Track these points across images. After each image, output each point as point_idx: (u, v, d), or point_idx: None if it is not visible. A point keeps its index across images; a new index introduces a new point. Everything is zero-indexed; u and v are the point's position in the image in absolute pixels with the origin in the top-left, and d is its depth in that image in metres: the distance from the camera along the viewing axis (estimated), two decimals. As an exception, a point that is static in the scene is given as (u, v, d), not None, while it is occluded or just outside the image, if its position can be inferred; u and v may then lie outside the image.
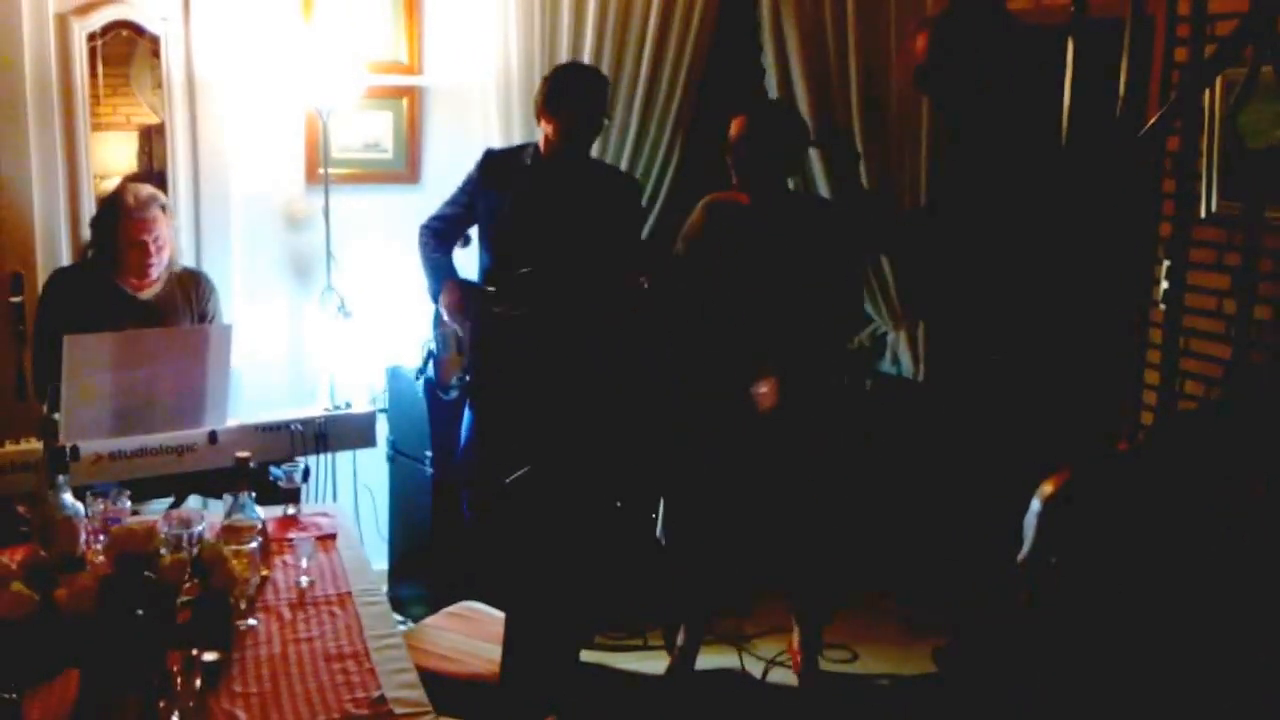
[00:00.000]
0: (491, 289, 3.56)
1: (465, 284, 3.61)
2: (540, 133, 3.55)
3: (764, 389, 3.38)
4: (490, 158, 3.66)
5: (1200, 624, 1.51)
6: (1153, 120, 2.93)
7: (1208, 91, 3.20)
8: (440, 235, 3.68)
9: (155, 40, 3.88)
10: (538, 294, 3.48)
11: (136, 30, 3.90)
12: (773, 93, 4.21)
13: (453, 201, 3.69)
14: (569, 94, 3.45)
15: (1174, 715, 1.54)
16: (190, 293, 3.56)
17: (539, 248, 3.49)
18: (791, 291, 3.40)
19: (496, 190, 3.58)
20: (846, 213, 3.65)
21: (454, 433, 3.75)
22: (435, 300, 3.62)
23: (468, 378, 3.60)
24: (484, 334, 3.56)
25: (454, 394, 3.66)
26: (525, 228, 3.53)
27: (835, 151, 3.89)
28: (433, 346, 3.68)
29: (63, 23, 3.72)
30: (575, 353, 3.53)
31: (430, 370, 3.70)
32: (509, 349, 3.53)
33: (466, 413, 3.69)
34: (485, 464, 3.61)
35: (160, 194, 3.48)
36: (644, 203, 4.05)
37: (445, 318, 3.59)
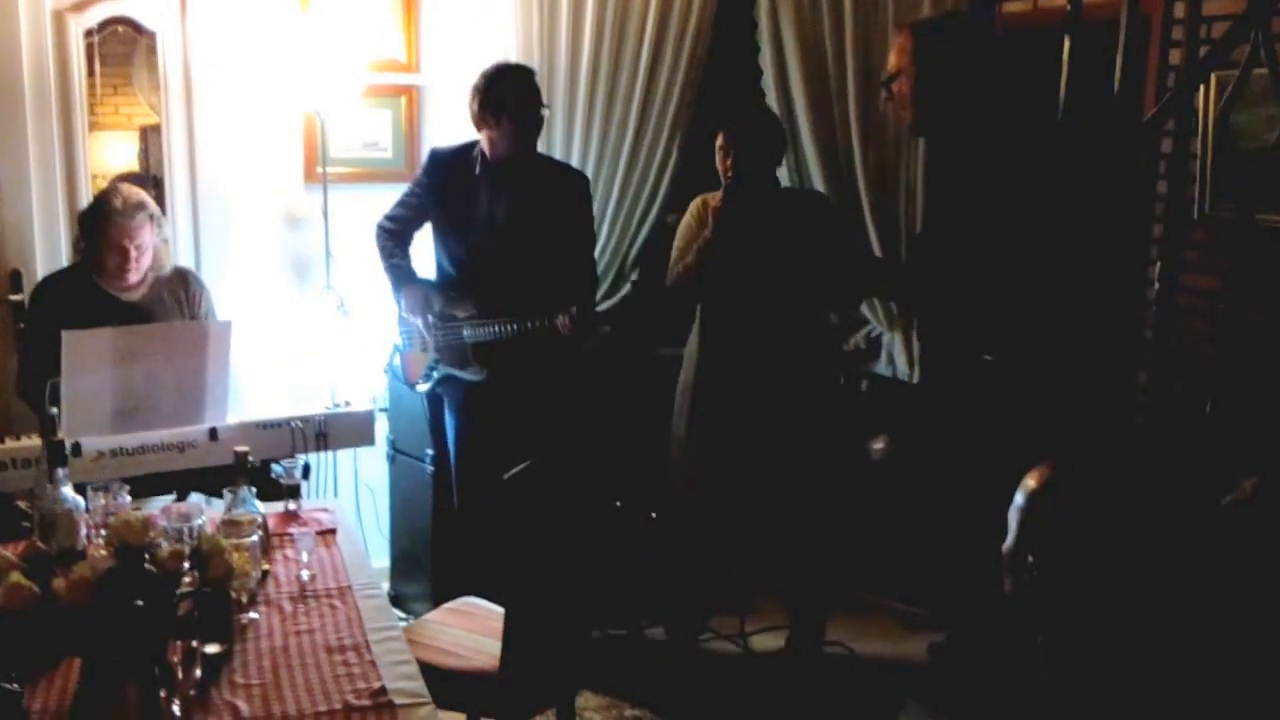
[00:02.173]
0: (453, 292, 3.62)
1: (425, 286, 3.66)
2: (483, 137, 3.54)
3: (879, 444, 3.46)
4: (436, 159, 3.66)
5: (1186, 620, 1.52)
6: (1146, 119, 2.96)
7: (1201, 93, 3.22)
8: (395, 235, 3.72)
9: (153, 38, 3.89)
10: (495, 296, 3.52)
11: (134, 27, 3.91)
12: (770, 93, 4.22)
13: (404, 202, 3.72)
14: (506, 99, 3.44)
15: (1163, 710, 1.55)
16: (179, 293, 3.53)
17: (493, 252, 3.54)
18: (785, 283, 3.44)
19: (446, 194, 3.60)
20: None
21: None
22: (398, 302, 3.70)
23: (434, 373, 3.66)
24: (445, 334, 3.61)
25: (420, 388, 3.73)
26: (477, 233, 3.56)
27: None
28: (398, 343, 3.76)
29: (59, 19, 3.72)
30: (538, 353, 3.55)
31: (397, 365, 3.80)
32: (472, 348, 3.58)
33: (445, 407, 3.76)
34: (469, 458, 3.65)
35: (150, 202, 3.38)
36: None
37: (409, 319, 3.66)
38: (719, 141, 3.49)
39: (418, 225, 3.73)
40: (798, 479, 3.53)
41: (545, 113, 3.56)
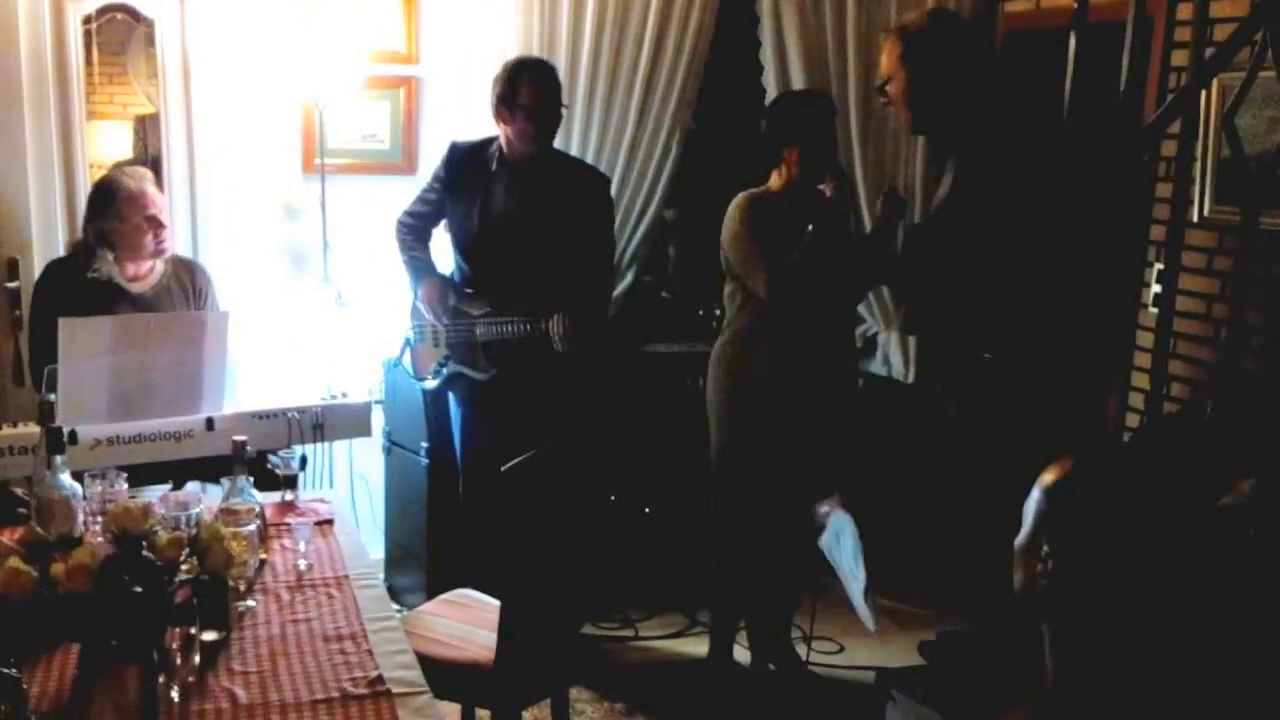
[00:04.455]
0: (468, 289, 3.60)
1: (443, 281, 3.64)
2: (501, 131, 3.51)
3: (824, 508, 3.51)
4: (455, 153, 3.61)
5: (1195, 622, 1.53)
6: (1151, 120, 2.96)
7: (1204, 95, 3.23)
8: (416, 231, 3.70)
9: (151, 25, 3.88)
10: (508, 294, 3.51)
11: (131, 14, 3.89)
12: (771, 90, 4.21)
13: (424, 198, 3.70)
14: (521, 97, 3.40)
15: (1164, 709, 1.56)
16: (186, 283, 3.51)
17: (507, 250, 3.51)
18: (835, 272, 3.43)
19: (463, 189, 3.57)
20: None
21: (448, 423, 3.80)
22: (415, 293, 3.68)
23: (444, 370, 3.64)
24: (458, 331, 3.60)
25: (428, 383, 3.72)
26: (491, 229, 3.54)
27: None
28: (410, 336, 3.74)
29: (57, 5, 3.70)
30: (547, 353, 3.53)
31: (406, 359, 3.77)
32: (483, 347, 3.57)
33: (452, 402, 3.75)
34: (477, 453, 3.64)
35: (151, 174, 3.42)
36: (613, 194, 3.96)
37: (424, 312, 3.63)
38: (794, 154, 3.41)
39: (437, 220, 3.70)
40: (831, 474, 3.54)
41: (564, 112, 3.51)
